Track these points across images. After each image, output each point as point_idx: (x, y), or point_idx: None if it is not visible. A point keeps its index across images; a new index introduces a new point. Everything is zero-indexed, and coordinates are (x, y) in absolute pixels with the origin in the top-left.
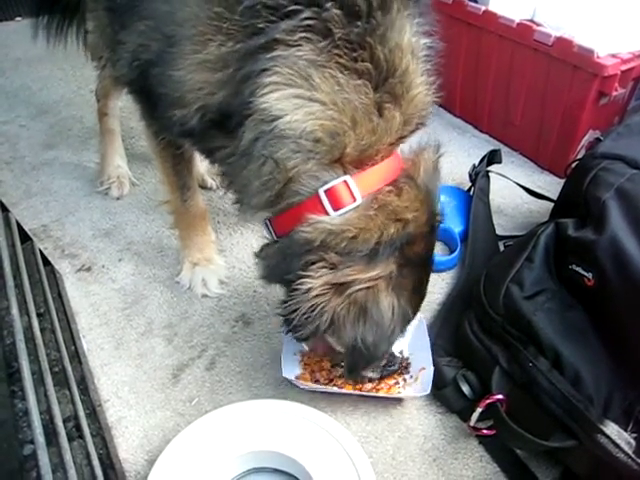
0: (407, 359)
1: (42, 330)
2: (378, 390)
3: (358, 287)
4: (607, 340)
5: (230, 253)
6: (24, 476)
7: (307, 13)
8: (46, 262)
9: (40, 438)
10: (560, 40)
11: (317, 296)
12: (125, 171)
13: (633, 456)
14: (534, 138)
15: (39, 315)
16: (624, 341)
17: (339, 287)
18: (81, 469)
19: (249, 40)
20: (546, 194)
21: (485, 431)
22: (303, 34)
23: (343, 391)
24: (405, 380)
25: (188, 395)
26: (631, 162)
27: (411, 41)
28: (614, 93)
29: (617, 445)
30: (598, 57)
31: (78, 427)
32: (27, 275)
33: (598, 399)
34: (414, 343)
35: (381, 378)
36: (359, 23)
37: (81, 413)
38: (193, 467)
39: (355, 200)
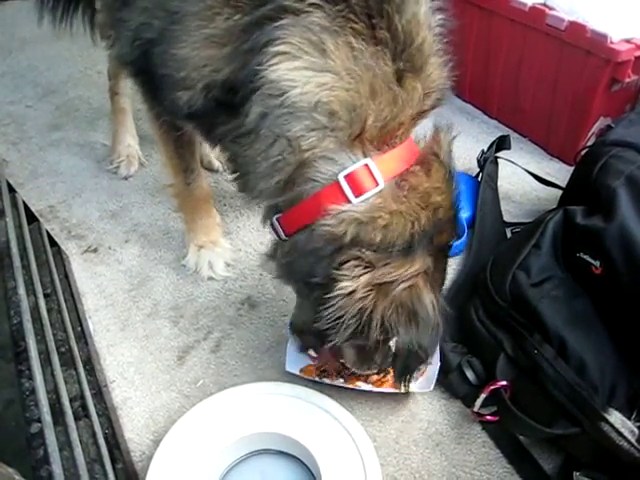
0: None
1: (49, 310)
2: (383, 383)
3: (401, 287)
4: (613, 329)
5: (236, 236)
6: (31, 454)
7: None
8: (53, 243)
9: (47, 417)
10: (573, 25)
11: (361, 299)
12: (135, 150)
13: (636, 444)
14: (544, 124)
15: (46, 296)
16: (630, 330)
17: (381, 287)
18: (87, 448)
19: (256, 11)
20: (555, 181)
21: (488, 417)
22: (314, 0)
23: (348, 385)
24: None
25: (193, 377)
26: None
27: (428, 14)
28: (627, 79)
29: (620, 433)
30: (612, 42)
31: (84, 407)
32: (34, 256)
33: (602, 387)
34: None
35: (379, 372)
36: None
37: (87, 393)
38: (198, 448)
39: (378, 185)
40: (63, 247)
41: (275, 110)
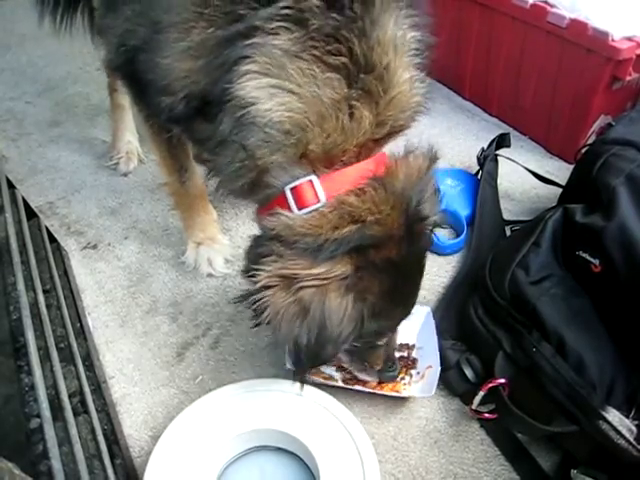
0: (414, 359)
1: (48, 306)
2: (383, 387)
3: (305, 284)
4: (612, 327)
5: (236, 233)
6: (31, 449)
7: (287, 2)
8: (52, 239)
9: (46, 412)
10: (574, 22)
11: (264, 288)
12: (135, 147)
13: (634, 443)
14: (544, 122)
15: (45, 292)
16: (629, 328)
17: (286, 281)
18: (86, 444)
19: (229, 26)
20: (555, 179)
21: (487, 415)
22: (281, 23)
23: (347, 386)
24: (412, 376)
25: (192, 373)
26: None
27: (395, 35)
28: (628, 78)
29: (618, 431)
30: (613, 40)
31: (83, 403)
32: (33, 252)
33: (601, 385)
34: (422, 338)
35: (380, 383)
36: (337, 15)
37: (86, 389)
38: (196, 444)
39: (319, 201)
40: (62, 243)
41: (240, 122)
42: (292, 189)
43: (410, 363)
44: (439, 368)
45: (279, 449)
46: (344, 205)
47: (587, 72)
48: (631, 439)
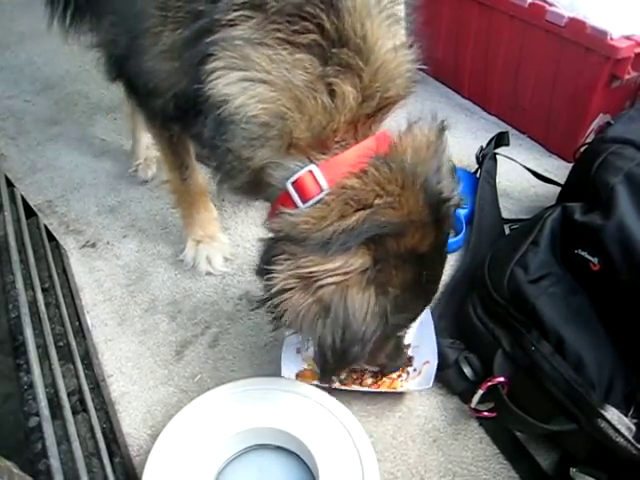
0: (411, 357)
1: (47, 305)
2: (380, 385)
3: (323, 282)
4: (611, 326)
5: (234, 231)
6: (29, 447)
7: None
8: (51, 237)
9: (45, 411)
10: (573, 21)
11: (282, 291)
12: (153, 154)
13: (633, 441)
14: (543, 121)
15: (44, 290)
16: (628, 327)
17: (304, 281)
18: (85, 442)
19: (192, 25)
20: (554, 178)
21: (486, 413)
22: (239, 12)
23: (344, 387)
24: (408, 373)
25: (191, 372)
26: None
27: (368, 1)
28: (626, 76)
29: (617, 430)
30: (611, 39)
31: (82, 401)
32: (32, 250)
33: (600, 384)
34: (420, 335)
35: (382, 375)
36: None
37: (85, 387)
38: (195, 443)
39: (322, 190)
40: (61, 242)
41: (219, 123)
42: (294, 183)
43: (407, 361)
44: (436, 362)
45: (278, 448)
46: (345, 189)
47: (586, 71)
48: (630, 437)
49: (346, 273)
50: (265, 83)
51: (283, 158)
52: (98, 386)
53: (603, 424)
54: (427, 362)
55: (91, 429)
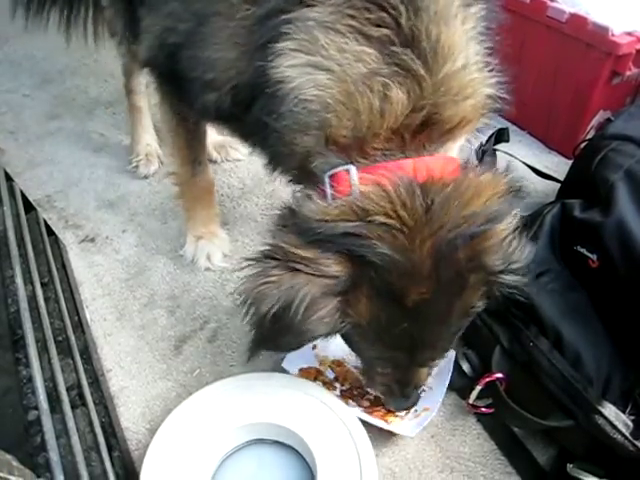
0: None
1: (46, 299)
2: (373, 411)
3: (297, 266)
4: (609, 322)
5: (233, 226)
6: (29, 441)
7: None
8: (50, 232)
9: (44, 404)
10: (574, 17)
11: (266, 257)
12: (154, 149)
13: (630, 437)
14: (543, 117)
15: (43, 284)
16: (626, 323)
17: (284, 257)
18: (84, 436)
19: (267, 3)
20: (553, 174)
21: (484, 409)
22: None
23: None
24: (408, 412)
25: (190, 366)
26: None
27: (450, 7)
28: (627, 73)
29: (614, 426)
30: (613, 35)
31: (81, 395)
32: (31, 245)
33: (597, 380)
34: (435, 380)
35: (376, 405)
36: None
37: (84, 382)
38: (194, 437)
39: (351, 194)
40: (60, 236)
41: (271, 103)
42: (331, 177)
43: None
44: (434, 413)
45: (276, 442)
46: (359, 196)
47: (587, 67)
48: (627, 434)
49: (319, 271)
50: (324, 70)
51: (324, 150)
52: (97, 380)
53: (600, 420)
54: (427, 409)
55: (90, 423)
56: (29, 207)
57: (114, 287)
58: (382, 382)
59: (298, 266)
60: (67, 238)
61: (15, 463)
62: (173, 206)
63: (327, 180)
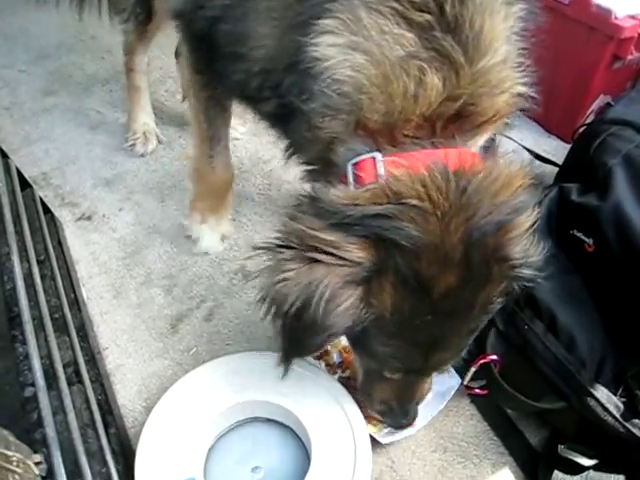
0: None
1: (42, 277)
2: (363, 407)
3: (318, 256)
4: (603, 306)
5: (231, 206)
6: (25, 417)
7: None
8: (46, 210)
9: (41, 381)
10: None
11: (280, 246)
12: (152, 128)
13: (620, 419)
14: (543, 101)
15: (39, 262)
16: (619, 307)
17: (302, 242)
18: (80, 413)
19: None
20: (552, 158)
21: (478, 390)
22: None
23: None
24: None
25: (186, 345)
26: None
27: (496, 1)
28: (629, 57)
29: (606, 408)
30: (616, 18)
31: (77, 373)
32: (27, 222)
33: (591, 363)
34: (431, 402)
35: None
36: None
37: (80, 359)
38: (190, 415)
39: (376, 180)
40: (57, 214)
41: (304, 81)
42: (354, 165)
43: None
44: (413, 432)
45: (271, 421)
46: (390, 179)
47: (588, 50)
48: (618, 416)
49: (340, 258)
50: (364, 52)
51: (350, 136)
52: (93, 358)
53: (592, 402)
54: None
55: (86, 400)
56: (25, 184)
57: (111, 265)
58: (382, 399)
59: (316, 254)
60: (63, 216)
61: (12, 438)
62: (170, 185)
63: (350, 168)
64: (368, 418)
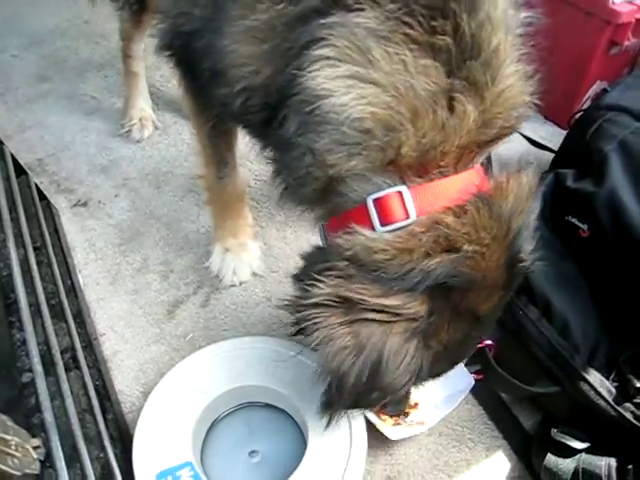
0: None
1: (38, 263)
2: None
3: (369, 315)
4: (597, 291)
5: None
6: (23, 402)
7: None
8: (42, 196)
9: (38, 367)
10: None
11: (319, 305)
12: (149, 114)
13: (612, 403)
14: (540, 87)
15: (35, 249)
16: (613, 293)
17: (348, 305)
18: (78, 398)
19: (303, 1)
20: (548, 145)
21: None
22: None
23: None
24: (406, 416)
25: (183, 331)
26: (637, 115)
27: (506, 13)
28: (626, 43)
29: (598, 393)
30: (613, 3)
31: (75, 359)
32: (23, 209)
33: (584, 348)
34: (445, 400)
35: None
36: None
37: (77, 345)
38: (187, 400)
39: (408, 217)
40: (52, 201)
41: (308, 120)
42: (376, 200)
43: (413, 405)
44: (424, 430)
45: (268, 405)
46: (439, 226)
47: (585, 36)
48: (610, 400)
49: (397, 315)
50: (378, 85)
51: (374, 172)
52: (90, 344)
53: (585, 387)
54: (422, 423)
55: (84, 386)
56: (20, 171)
57: (107, 252)
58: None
59: (369, 315)
60: (59, 202)
61: (10, 423)
62: (166, 171)
63: (371, 204)
64: (377, 413)
